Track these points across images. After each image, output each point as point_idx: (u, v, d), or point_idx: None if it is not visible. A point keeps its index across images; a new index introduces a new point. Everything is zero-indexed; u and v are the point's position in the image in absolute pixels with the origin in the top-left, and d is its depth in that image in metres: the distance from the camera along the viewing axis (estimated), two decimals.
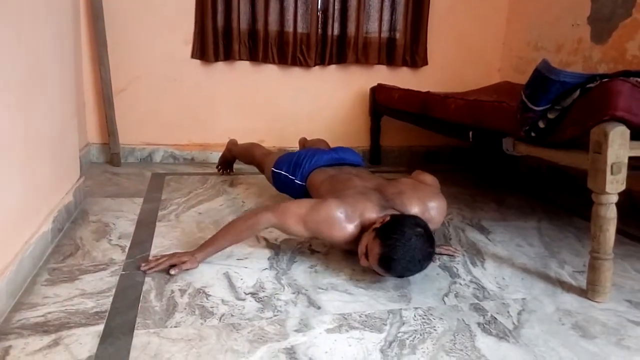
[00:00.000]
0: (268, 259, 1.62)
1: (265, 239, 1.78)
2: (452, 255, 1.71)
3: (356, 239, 1.49)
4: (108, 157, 2.85)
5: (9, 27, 1.30)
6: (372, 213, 1.50)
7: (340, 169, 1.93)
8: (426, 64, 3.20)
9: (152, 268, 1.46)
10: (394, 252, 1.34)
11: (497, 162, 3.20)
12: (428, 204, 1.59)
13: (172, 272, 1.44)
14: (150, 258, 1.53)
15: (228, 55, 2.86)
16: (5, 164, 1.27)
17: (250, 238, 1.66)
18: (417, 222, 1.42)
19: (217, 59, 2.84)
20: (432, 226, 1.52)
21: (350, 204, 1.52)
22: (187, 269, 1.47)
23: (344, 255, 1.66)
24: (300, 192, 1.94)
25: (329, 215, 1.48)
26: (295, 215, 1.51)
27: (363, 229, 1.48)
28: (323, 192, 1.74)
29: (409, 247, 1.34)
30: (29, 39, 1.44)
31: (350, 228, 1.49)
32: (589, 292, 1.44)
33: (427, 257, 1.40)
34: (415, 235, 1.36)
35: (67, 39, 1.91)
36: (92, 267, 1.49)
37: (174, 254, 1.51)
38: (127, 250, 1.63)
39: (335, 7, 2.94)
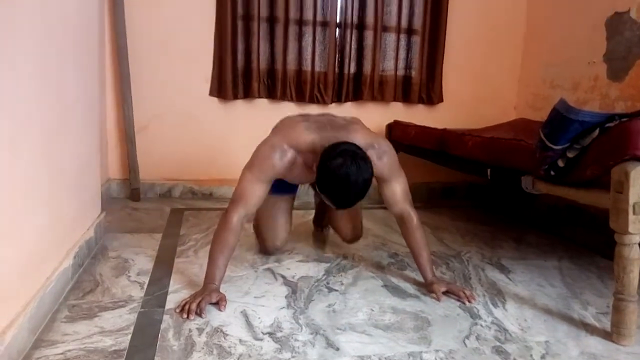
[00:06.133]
0: (285, 297, 1.61)
1: (283, 276, 1.78)
2: (462, 302, 1.63)
3: (301, 162, 1.64)
4: (128, 192, 2.89)
5: (36, 64, 1.35)
6: (309, 136, 1.62)
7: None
8: (442, 101, 3.22)
9: (188, 313, 1.45)
10: (326, 180, 1.48)
11: (515, 199, 3.17)
12: (374, 142, 1.68)
13: (203, 315, 1.45)
14: (179, 309, 1.48)
15: (247, 94, 2.93)
16: (30, 200, 1.30)
17: (237, 240, 1.62)
18: (348, 148, 1.49)
19: (236, 97, 2.91)
20: (379, 166, 1.64)
21: (282, 135, 1.67)
22: (215, 302, 1.50)
23: (363, 294, 1.65)
24: None
25: (264, 157, 1.64)
26: (247, 181, 1.64)
27: (300, 152, 1.63)
28: None
29: (339, 171, 1.45)
30: (55, 76, 1.50)
31: (287, 156, 1.62)
32: (613, 335, 1.40)
33: (359, 175, 1.46)
34: (344, 160, 1.45)
35: (92, 77, 1.98)
36: (111, 304, 1.50)
37: (194, 298, 1.49)
38: (145, 287, 1.64)
39: (352, 47, 3.01)
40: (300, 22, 2.90)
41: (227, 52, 2.82)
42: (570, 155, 1.45)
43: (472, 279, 1.84)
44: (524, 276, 1.89)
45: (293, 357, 1.25)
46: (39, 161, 1.36)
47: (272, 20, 2.88)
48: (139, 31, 2.79)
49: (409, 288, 1.72)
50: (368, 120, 3.13)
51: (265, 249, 1.99)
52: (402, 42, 3.09)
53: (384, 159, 1.67)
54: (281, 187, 2.11)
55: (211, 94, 2.92)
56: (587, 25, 2.73)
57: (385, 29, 3.04)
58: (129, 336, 1.31)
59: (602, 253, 2.16)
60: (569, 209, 2.82)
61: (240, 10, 2.83)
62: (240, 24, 2.84)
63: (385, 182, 1.71)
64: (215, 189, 3.04)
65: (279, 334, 1.36)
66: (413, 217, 1.73)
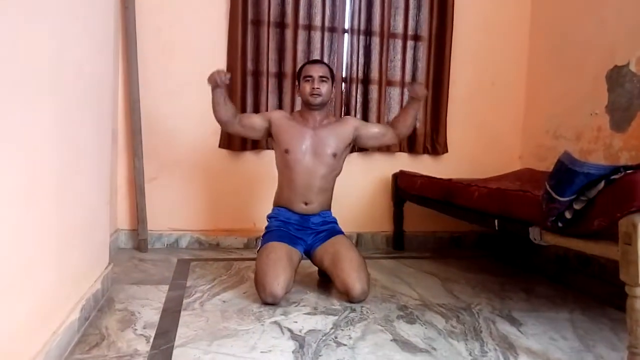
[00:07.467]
0: (292, 352, 1.58)
1: (290, 330, 1.75)
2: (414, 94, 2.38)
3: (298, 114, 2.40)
4: (136, 242, 2.90)
5: (51, 116, 1.40)
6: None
7: None
8: (446, 151, 3.27)
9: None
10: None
11: (524, 248, 3.15)
12: None
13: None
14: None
15: (255, 145, 2.99)
16: (39, 253, 1.31)
17: (232, 116, 2.37)
18: None
19: (244, 149, 2.96)
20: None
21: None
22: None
23: (372, 349, 1.62)
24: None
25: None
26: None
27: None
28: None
29: None
30: (69, 128, 1.53)
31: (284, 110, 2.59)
32: None
33: None
34: None
35: (105, 129, 2.02)
36: (117, 358, 1.48)
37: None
38: (151, 340, 1.62)
39: (358, 100, 3.09)
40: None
41: (236, 105, 2.90)
42: (577, 206, 1.46)
43: (483, 332, 1.81)
44: (536, 329, 1.85)
45: None
46: (50, 213, 1.38)
47: (280, 75, 2.98)
48: (152, 83, 2.89)
49: (420, 342, 1.69)
50: (374, 170, 3.21)
51: (264, 296, 1.97)
52: (406, 96, 3.15)
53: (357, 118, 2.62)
54: (284, 236, 2.13)
55: (221, 145, 2.98)
56: (588, 77, 2.80)
57: (389, 83, 3.13)
58: None
59: (613, 304, 2.13)
60: (578, 259, 2.79)
61: (250, 65, 2.93)
62: (249, 79, 2.94)
63: (364, 127, 2.38)
64: (222, 239, 3.04)
65: None
66: None
